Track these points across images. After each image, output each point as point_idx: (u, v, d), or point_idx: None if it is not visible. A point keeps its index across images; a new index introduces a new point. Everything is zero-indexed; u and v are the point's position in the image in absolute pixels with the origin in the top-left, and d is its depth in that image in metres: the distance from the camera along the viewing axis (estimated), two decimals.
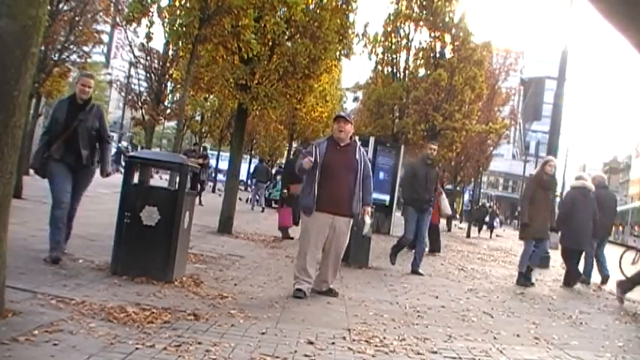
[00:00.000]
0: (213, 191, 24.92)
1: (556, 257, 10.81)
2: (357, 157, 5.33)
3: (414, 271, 7.70)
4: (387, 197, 14.82)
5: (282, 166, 23.07)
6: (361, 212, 5.33)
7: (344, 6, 9.82)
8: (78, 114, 5.21)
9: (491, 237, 23.88)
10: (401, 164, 15.17)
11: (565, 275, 8.74)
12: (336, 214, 5.21)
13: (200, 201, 15.82)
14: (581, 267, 8.89)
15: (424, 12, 16.15)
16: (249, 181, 28.55)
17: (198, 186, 16.41)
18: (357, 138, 5.82)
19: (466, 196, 36.57)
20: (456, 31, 15.78)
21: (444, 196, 10.93)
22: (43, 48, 9.74)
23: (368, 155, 14.29)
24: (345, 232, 5.34)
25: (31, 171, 5.82)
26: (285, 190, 10.52)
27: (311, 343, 3.54)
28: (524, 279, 7.94)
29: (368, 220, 5.43)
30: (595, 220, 8.64)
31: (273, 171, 24.47)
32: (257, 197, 20.41)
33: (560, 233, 9.11)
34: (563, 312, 5.96)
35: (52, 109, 5.38)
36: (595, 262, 9.21)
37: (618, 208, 47.08)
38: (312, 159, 5.15)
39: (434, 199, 8.27)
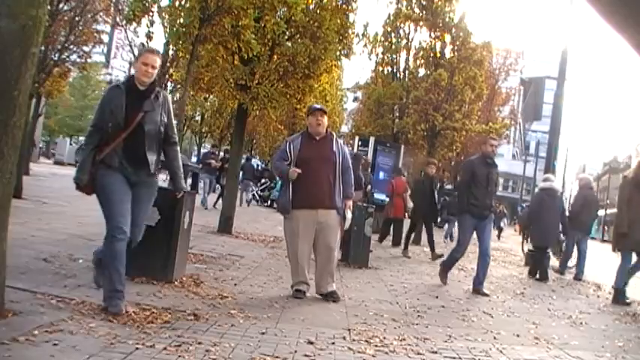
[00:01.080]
0: (214, 191, 24.90)
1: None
2: (335, 149, 5.14)
3: (477, 290, 6.56)
4: (387, 197, 14.82)
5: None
6: (343, 206, 5.13)
7: (344, 6, 9.81)
8: (142, 104, 3.85)
9: (499, 238, 23.80)
10: (401, 164, 15.17)
11: (530, 268, 9.33)
12: (319, 207, 5.01)
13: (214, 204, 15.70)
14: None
15: (424, 12, 16.14)
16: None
17: (219, 189, 16.19)
18: (333, 131, 5.55)
19: None
20: (456, 31, 15.77)
21: (408, 193, 11.27)
22: (43, 48, 9.74)
23: (367, 155, 14.42)
24: (333, 226, 5.08)
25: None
26: None
27: (311, 343, 3.54)
28: (622, 297, 7.04)
29: (349, 214, 5.22)
30: (563, 218, 9.16)
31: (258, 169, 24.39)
32: (245, 194, 20.42)
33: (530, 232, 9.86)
34: (563, 312, 5.96)
35: (102, 100, 3.92)
36: (566, 255, 9.97)
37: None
38: (298, 170, 4.97)
39: (495, 205, 7.13)
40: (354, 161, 10.20)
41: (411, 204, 11.13)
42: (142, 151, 3.82)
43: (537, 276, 8.95)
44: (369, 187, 10.90)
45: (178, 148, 4.17)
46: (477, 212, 6.67)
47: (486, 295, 6.44)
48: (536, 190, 10.38)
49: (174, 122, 4.13)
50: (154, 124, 3.88)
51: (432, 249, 10.01)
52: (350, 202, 5.29)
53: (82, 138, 42.92)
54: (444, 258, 7.12)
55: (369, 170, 12.25)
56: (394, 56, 17.51)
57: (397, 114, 17.38)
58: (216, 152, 17.42)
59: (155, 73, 3.91)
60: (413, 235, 11.09)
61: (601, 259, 12.74)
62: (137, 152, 3.82)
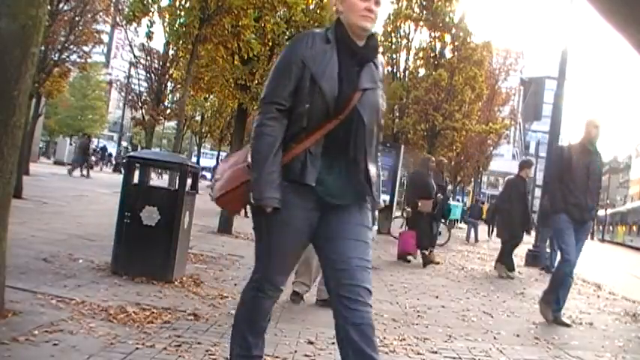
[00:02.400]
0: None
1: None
2: None
3: (555, 317, 5.19)
4: (387, 197, 14.83)
5: None
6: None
7: None
8: (359, 73, 2.21)
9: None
10: (401, 164, 15.18)
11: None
12: None
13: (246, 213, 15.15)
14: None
15: (424, 12, 16.16)
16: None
17: None
18: None
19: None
20: (456, 31, 15.80)
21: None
22: (43, 48, 9.75)
23: None
24: None
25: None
26: (410, 208, 8.89)
27: (311, 343, 3.53)
28: None
29: (375, 226, 5.00)
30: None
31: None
32: None
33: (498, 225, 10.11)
34: (563, 312, 5.95)
35: (289, 58, 2.20)
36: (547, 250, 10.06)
37: (629, 206, 45.89)
38: None
39: (597, 208, 5.55)
40: (421, 167, 9.03)
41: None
42: (360, 158, 2.21)
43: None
44: (440, 195, 9.28)
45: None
46: (577, 214, 5.16)
47: (567, 325, 5.12)
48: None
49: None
50: (375, 110, 2.24)
51: (500, 260, 8.83)
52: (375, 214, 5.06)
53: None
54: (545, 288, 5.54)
55: (442, 173, 10.46)
56: (394, 56, 17.54)
57: (397, 114, 17.40)
58: None
59: (378, 13, 2.25)
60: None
61: (600, 260, 12.74)
62: (352, 160, 2.21)
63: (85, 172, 21.55)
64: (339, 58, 2.19)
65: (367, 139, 2.22)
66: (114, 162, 37.49)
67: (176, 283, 4.76)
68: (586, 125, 5.45)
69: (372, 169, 2.26)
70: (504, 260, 8.88)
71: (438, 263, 9.04)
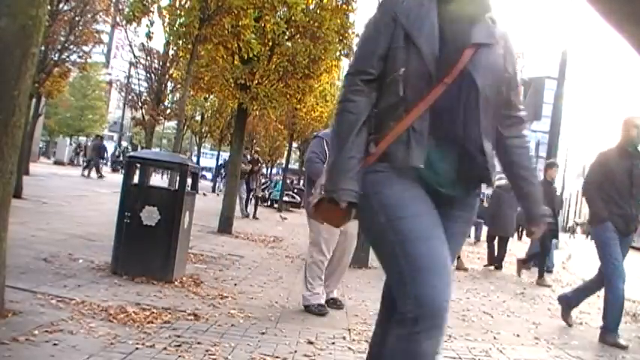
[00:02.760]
0: (213, 191, 25.00)
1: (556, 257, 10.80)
2: None
3: (608, 340, 4.62)
4: None
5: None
6: None
7: (344, 6, 9.82)
8: (469, 27, 1.82)
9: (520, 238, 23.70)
10: None
11: (489, 257, 9.85)
12: None
13: (254, 214, 14.87)
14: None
15: None
16: (218, 178, 28.21)
17: (249, 195, 14.92)
18: None
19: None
20: None
21: None
22: (43, 48, 9.75)
23: None
24: (355, 236, 4.85)
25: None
26: None
27: (311, 343, 3.54)
28: None
29: None
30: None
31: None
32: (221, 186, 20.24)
33: (488, 224, 10.38)
34: None
35: (382, 17, 1.89)
36: (530, 250, 9.89)
37: None
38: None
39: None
40: None
41: None
42: (474, 135, 1.79)
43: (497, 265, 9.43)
44: None
45: (528, 136, 2.09)
46: (622, 226, 4.74)
47: (623, 347, 4.54)
48: (494, 186, 11.01)
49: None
50: (492, 72, 1.83)
51: (541, 274, 8.40)
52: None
53: (82, 138, 42.98)
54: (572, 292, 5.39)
55: None
56: None
57: None
58: (245, 155, 17.08)
59: None
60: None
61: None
62: (464, 138, 1.79)
63: (85, 173, 21.95)
64: (439, 12, 1.80)
65: (482, 110, 1.78)
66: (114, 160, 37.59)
67: (176, 283, 4.77)
68: (624, 125, 4.93)
69: (488, 149, 1.83)
70: (526, 261, 9.19)
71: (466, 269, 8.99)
